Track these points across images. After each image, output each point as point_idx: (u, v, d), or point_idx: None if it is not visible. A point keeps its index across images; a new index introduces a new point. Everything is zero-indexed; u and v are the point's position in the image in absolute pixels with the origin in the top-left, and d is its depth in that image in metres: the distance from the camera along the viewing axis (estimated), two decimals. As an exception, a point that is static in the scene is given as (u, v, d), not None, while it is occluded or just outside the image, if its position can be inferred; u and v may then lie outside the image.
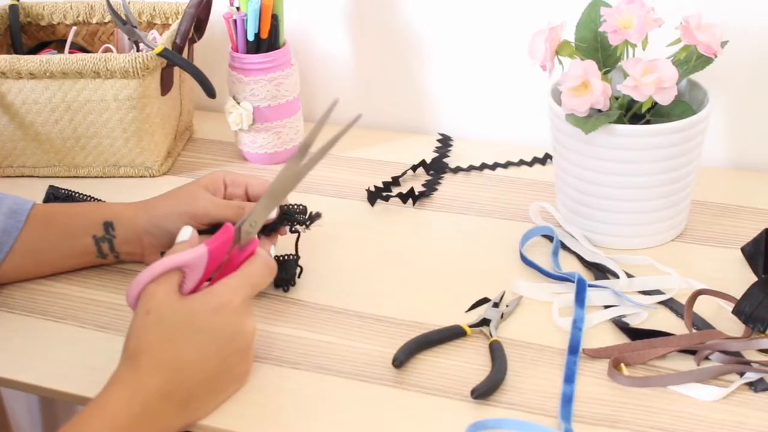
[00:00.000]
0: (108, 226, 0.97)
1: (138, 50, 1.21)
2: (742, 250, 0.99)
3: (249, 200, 0.98)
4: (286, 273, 0.98)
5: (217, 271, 0.83)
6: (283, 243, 1.00)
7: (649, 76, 0.93)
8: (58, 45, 1.30)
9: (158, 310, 0.78)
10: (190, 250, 0.80)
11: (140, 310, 0.79)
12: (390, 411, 0.83)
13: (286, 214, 0.98)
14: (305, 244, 1.02)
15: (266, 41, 1.18)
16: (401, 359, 0.87)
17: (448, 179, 1.18)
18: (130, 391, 0.76)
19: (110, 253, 0.98)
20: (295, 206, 0.98)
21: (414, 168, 1.19)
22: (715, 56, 0.96)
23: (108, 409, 0.75)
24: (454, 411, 0.83)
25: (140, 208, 0.97)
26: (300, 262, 0.99)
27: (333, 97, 1.41)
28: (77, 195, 1.09)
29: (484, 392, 0.83)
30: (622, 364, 0.86)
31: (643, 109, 0.97)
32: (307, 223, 0.98)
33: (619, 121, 0.96)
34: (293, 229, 0.98)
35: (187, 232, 0.84)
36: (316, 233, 1.07)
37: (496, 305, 0.94)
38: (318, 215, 0.97)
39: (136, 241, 0.97)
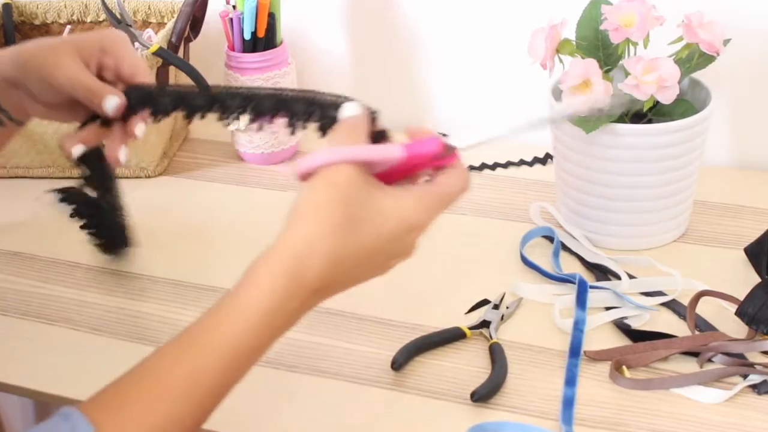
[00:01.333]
0: None
1: (133, 49, 1.21)
2: (745, 250, 0.99)
3: (119, 77, 0.85)
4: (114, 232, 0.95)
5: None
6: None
7: (651, 75, 0.93)
8: (52, 44, 1.30)
9: (347, 186, 0.66)
10: (386, 148, 0.69)
11: (323, 181, 0.66)
12: (389, 414, 0.83)
13: (147, 96, 0.83)
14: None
15: (263, 40, 1.18)
16: (400, 362, 0.87)
17: (447, 179, 1.18)
18: (286, 284, 0.64)
19: (2, 115, 0.88)
20: (161, 88, 0.84)
21: (413, 168, 1.19)
22: (718, 54, 0.96)
23: (257, 303, 0.65)
24: (454, 414, 0.82)
25: (5, 58, 0.85)
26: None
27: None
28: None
29: (484, 395, 0.83)
30: (624, 367, 0.85)
31: (645, 109, 0.97)
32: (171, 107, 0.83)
33: (621, 120, 0.96)
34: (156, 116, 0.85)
35: (353, 107, 0.73)
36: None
37: (496, 307, 0.94)
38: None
39: (12, 90, 0.87)
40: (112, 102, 0.82)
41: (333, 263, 0.66)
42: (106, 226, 0.96)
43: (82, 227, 0.95)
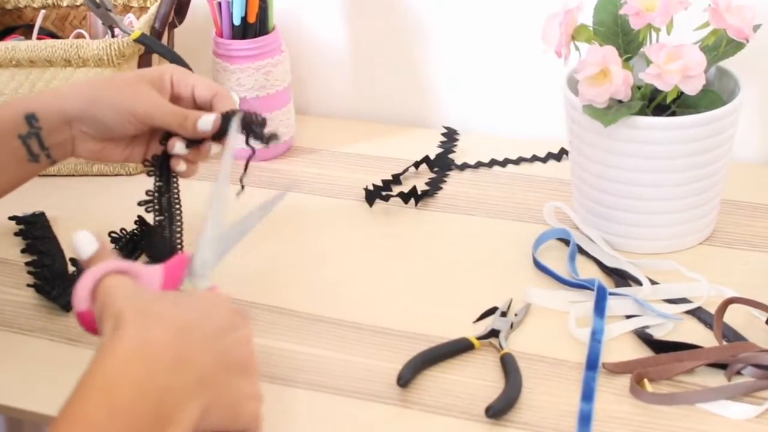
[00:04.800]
0: (30, 118, 0.91)
1: (113, 36, 1.21)
2: (777, 253, 1.00)
3: (195, 104, 0.95)
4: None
5: None
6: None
7: (675, 64, 0.93)
8: (26, 30, 1.30)
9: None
10: (146, 266, 0.76)
11: (124, 287, 0.72)
12: (391, 432, 0.83)
13: (243, 122, 0.92)
14: (295, 248, 1.01)
15: (254, 26, 1.18)
16: (407, 377, 0.86)
17: (453, 177, 1.18)
18: (132, 351, 0.67)
19: (41, 153, 0.92)
20: (254, 115, 0.93)
21: (416, 165, 1.19)
22: (747, 41, 0.96)
23: (106, 378, 0.67)
24: (463, 431, 0.83)
25: (70, 93, 0.93)
26: (291, 268, 0.98)
27: (327, 87, 1.41)
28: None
29: (500, 410, 0.83)
30: (646, 380, 0.86)
31: (668, 100, 0.98)
32: (266, 139, 0.93)
33: (642, 112, 0.97)
34: (248, 142, 0.92)
35: (89, 244, 0.76)
36: (310, 236, 1.06)
37: (504, 314, 0.94)
38: (275, 137, 0.93)
39: (65, 127, 0.92)
40: (209, 118, 0.90)
41: (175, 327, 0.69)
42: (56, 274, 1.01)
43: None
